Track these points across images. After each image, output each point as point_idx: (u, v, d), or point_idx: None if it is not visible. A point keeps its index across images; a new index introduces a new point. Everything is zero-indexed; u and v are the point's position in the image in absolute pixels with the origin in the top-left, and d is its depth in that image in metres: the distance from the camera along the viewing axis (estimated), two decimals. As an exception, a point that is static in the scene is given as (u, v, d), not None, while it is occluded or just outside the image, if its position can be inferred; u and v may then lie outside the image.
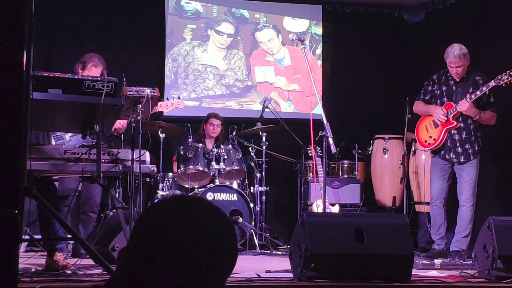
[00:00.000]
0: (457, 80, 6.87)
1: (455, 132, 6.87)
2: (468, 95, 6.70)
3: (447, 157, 6.92)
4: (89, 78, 4.76)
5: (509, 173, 7.86)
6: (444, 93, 6.96)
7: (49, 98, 4.56)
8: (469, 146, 6.84)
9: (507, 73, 6.47)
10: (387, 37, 9.99)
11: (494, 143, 7.71)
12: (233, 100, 9.43)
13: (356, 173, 8.58)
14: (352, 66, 9.83)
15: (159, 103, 6.35)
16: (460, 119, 6.83)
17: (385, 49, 9.97)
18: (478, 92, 6.63)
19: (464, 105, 6.69)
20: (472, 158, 6.83)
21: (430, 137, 7.01)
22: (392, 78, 9.83)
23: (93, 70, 6.38)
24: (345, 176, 8.60)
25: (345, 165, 8.67)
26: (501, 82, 6.49)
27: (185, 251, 1.53)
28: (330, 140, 5.94)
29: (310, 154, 7.58)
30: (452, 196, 7.04)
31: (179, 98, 7.31)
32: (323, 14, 9.73)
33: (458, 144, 6.85)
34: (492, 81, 6.55)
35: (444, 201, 7.00)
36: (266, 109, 8.10)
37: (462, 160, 6.85)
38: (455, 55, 6.76)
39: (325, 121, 5.97)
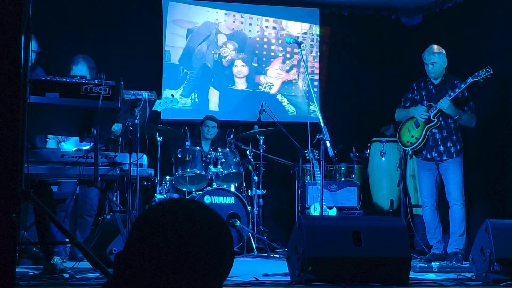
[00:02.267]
0: (435, 83, 7.00)
1: (436, 130, 6.97)
2: (447, 93, 6.80)
3: (429, 156, 7.00)
4: (87, 81, 4.76)
5: (499, 174, 7.89)
6: (424, 97, 7.14)
7: (46, 101, 4.56)
8: (451, 145, 6.93)
9: (484, 70, 6.62)
10: (384, 40, 10.00)
11: (480, 144, 7.74)
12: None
13: (353, 176, 8.58)
14: (350, 69, 9.84)
15: None
16: (441, 118, 6.92)
17: (383, 52, 9.97)
18: (457, 90, 6.76)
19: (445, 103, 6.78)
20: (455, 156, 6.92)
21: (412, 136, 7.10)
22: (389, 81, 9.83)
23: (73, 69, 6.37)
24: (343, 179, 8.61)
25: (343, 168, 8.68)
26: (478, 78, 6.63)
27: (182, 254, 1.53)
28: (328, 143, 5.95)
29: (307, 157, 7.58)
30: (443, 198, 7.07)
31: (172, 95, 7.32)
32: (320, 17, 9.73)
33: (439, 143, 6.95)
34: (470, 77, 6.68)
35: (436, 204, 7.04)
36: (264, 112, 8.11)
37: (444, 158, 6.91)
38: (429, 52, 7.02)
39: (322, 124, 5.98)
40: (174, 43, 9.02)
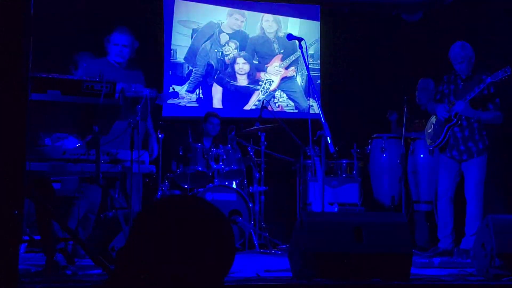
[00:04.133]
0: (464, 77, 6.94)
1: (458, 130, 6.92)
2: (464, 97, 6.76)
3: (449, 154, 6.97)
4: (88, 79, 4.77)
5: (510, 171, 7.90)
6: (452, 91, 7.03)
7: (48, 99, 4.57)
8: (472, 144, 6.87)
9: (503, 70, 6.54)
10: (385, 36, 10.01)
11: (495, 141, 7.73)
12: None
13: (354, 172, 8.59)
14: (350, 65, 9.85)
15: None
16: (463, 117, 6.87)
17: (383, 48, 9.98)
18: (472, 93, 6.72)
19: (460, 106, 6.76)
20: (475, 156, 6.86)
21: (435, 134, 7.07)
22: (390, 77, 9.84)
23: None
24: (344, 175, 8.60)
25: (344, 165, 8.67)
26: (497, 79, 6.56)
27: (183, 250, 1.54)
28: (329, 140, 5.95)
29: (308, 154, 7.59)
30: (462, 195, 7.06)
31: (173, 89, 7.34)
32: (321, 14, 9.75)
33: (461, 142, 6.90)
34: (489, 77, 6.62)
35: (450, 199, 7.02)
36: (265, 109, 8.11)
37: (465, 158, 6.89)
38: (455, 52, 6.93)
39: (323, 120, 5.98)
40: (180, 42, 9.29)
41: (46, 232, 5.19)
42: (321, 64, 9.73)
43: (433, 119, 7.23)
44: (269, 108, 8.19)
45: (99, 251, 4.71)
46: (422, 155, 7.86)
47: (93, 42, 8.17)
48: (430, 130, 7.24)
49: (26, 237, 6.12)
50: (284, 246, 7.56)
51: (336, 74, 9.79)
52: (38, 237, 5.68)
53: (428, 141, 7.26)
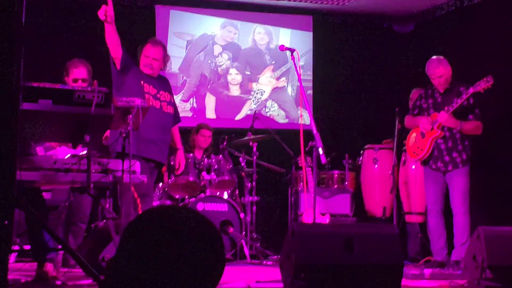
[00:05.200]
0: (442, 91, 6.99)
1: (441, 141, 6.97)
2: (446, 107, 6.79)
3: (434, 166, 7.01)
4: (80, 88, 4.76)
5: (495, 181, 7.92)
6: (431, 105, 7.10)
7: (39, 108, 4.55)
8: (457, 155, 6.92)
9: (485, 79, 6.61)
10: (376, 47, 10.04)
11: (479, 152, 7.74)
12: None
13: (346, 183, 8.59)
14: (342, 76, 9.87)
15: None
16: (445, 129, 6.92)
17: (375, 60, 10.01)
18: (454, 104, 6.76)
19: (443, 116, 6.81)
20: (460, 166, 6.91)
21: (418, 147, 7.11)
22: (382, 88, 9.87)
23: (74, 71, 6.41)
24: (335, 186, 8.61)
25: (335, 175, 8.67)
26: (478, 87, 6.63)
27: (173, 260, 1.53)
28: (320, 150, 5.94)
29: (300, 164, 7.59)
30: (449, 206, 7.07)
31: None
32: (313, 25, 9.78)
33: (445, 153, 6.95)
34: (471, 87, 6.67)
35: (440, 211, 7.05)
36: (257, 119, 8.12)
37: (450, 168, 6.92)
38: (433, 66, 7.01)
39: (315, 131, 5.98)
40: (175, 53, 9.35)
41: (36, 241, 5.17)
42: (313, 74, 9.75)
43: (413, 135, 7.26)
44: (261, 116, 8.19)
45: (89, 261, 4.69)
46: (414, 166, 7.87)
47: (86, 51, 8.19)
48: (411, 145, 7.27)
49: (16, 247, 6.10)
50: (275, 257, 7.54)
51: (327, 85, 9.80)
52: (28, 247, 5.66)
53: (412, 155, 7.29)
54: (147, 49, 6.54)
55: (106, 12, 5.92)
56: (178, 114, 6.91)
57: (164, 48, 6.64)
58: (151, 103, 6.33)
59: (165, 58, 6.61)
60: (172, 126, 6.74)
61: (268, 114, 9.70)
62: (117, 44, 6.26)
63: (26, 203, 4.13)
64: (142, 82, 6.40)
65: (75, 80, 6.40)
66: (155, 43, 6.61)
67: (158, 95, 6.48)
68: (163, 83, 6.67)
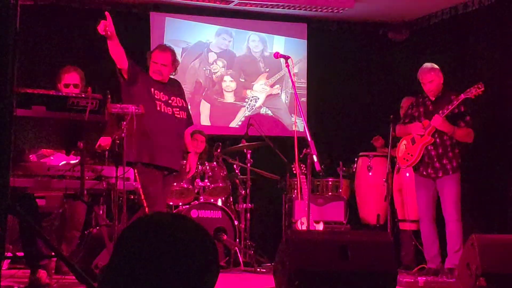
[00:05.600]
0: (433, 99, 7.02)
1: (432, 147, 7.00)
2: (441, 111, 6.82)
3: (425, 173, 7.03)
4: (74, 95, 4.74)
5: (486, 189, 7.93)
6: (422, 113, 7.13)
7: (32, 115, 4.53)
8: (447, 161, 6.95)
9: (475, 86, 6.68)
10: (371, 55, 10.05)
11: (470, 159, 7.76)
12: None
13: (340, 190, 8.58)
14: (337, 83, 9.86)
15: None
16: (436, 135, 6.95)
17: (370, 67, 10.02)
18: (450, 106, 6.77)
19: (437, 120, 6.84)
20: (450, 173, 6.93)
21: (408, 153, 7.14)
22: (376, 95, 9.87)
23: (66, 77, 6.40)
24: (330, 193, 8.60)
25: (330, 183, 8.66)
26: (470, 94, 6.70)
27: (167, 267, 1.52)
28: (315, 158, 5.94)
29: (294, 172, 7.58)
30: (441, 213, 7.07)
31: None
32: (308, 32, 9.79)
33: (435, 160, 6.98)
34: (462, 94, 6.72)
35: (432, 219, 7.05)
36: (251, 126, 8.11)
37: (440, 175, 6.94)
38: (425, 71, 7.07)
39: (309, 138, 5.98)
40: None
41: (30, 248, 5.15)
42: (308, 81, 9.75)
43: (404, 142, 7.27)
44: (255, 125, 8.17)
45: (82, 268, 4.67)
46: (407, 174, 7.87)
47: (78, 58, 8.19)
48: (401, 154, 7.28)
49: (9, 254, 6.07)
50: (269, 264, 7.53)
51: (322, 92, 9.80)
52: (21, 254, 5.64)
53: (402, 162, 7.30)
54: (155, 55, 6.47)
55: (106, 27, 5.86)
56: (191, 117, 6.80)
57: (173, 53, 6.56)
58: (162, 110, 6.28)
59: (175, 63, 6.53)
60: (185, 131, 6.64)
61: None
62: (122, 57, 6.18)
63: (20, 210, 4.10)
64: (152, 89, 6.31)
65: (67, 86, 6.38)
66: (164, 49, 6.54)
67: (170, 101, 6.38)
68: (174, 88, 6.58)
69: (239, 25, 9.73)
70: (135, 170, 5.95)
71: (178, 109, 6.43)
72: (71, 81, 6.40)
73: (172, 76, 6.64)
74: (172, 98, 6.41)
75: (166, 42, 9.35)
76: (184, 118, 6.50)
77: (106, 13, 5.90)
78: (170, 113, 6.33)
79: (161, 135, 6.18)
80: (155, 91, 6.31)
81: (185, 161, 6.74)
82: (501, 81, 7.88)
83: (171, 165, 6.33)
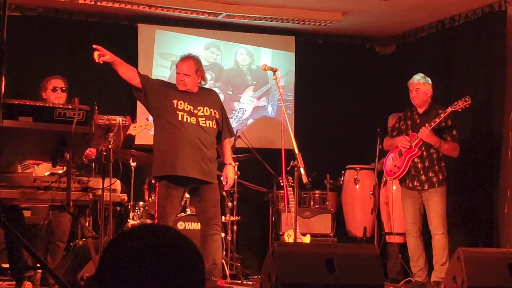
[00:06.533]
0: (420, 112, 7.05)
1: (418, 160, 7.03)
2: (427, 124, 6.85)
3: (411, 185, 7.06)
4: (60, 106, 4.74)
5: (472, 202, 7.96)
6: (409, 126, 7.15)
7: (19, 126, 4.52)
8: (433, 175, 6.97)
9: (463, 99, 6.74)
10: (358, 68, 10.08)
11: (456, 172, 7.78)
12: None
13: (327, 203, 8.59)
14: (324, 96, 9.88)
15: None
16: (423, 148, 6.97)
17: (357, 80, 10.04)
18: (437, 119, 6.81)
19: (424, 132, 6.86)
20: (436, 185, 6.95)
21: (395, 166, 7.15)
22: (363, 108, 9.89)
23: (52, 81, 6.43)
24: (317, 206, 8.60)
25: (317, 195, 8.67)
26: (457, 107, 6.75)
27: (152, 280, 1.52)
28: (302, 170, 5.94)
29: (281, 184, 7.58)
30: (427, 226, 7.09)
31: (147, 119, 7.32)
32: (296, 45, 9.81)
33: (421, 172, 7.00)
34: (449, 107, 6.76)
35: (419, 232, 7.07)
36: (238, 138, 8.11)
37: (426, 188, 6.96)
38: (414, 79, 7.12)
39: (296, 151, 5.98)
40: (160, 73, 9.31)
41: (15, 260, 5.12)
42: (295, 94, 9.76)
43: (391, 155, 7.31)
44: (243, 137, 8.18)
45: (68, 280, 4.65)
46: (394, 187, 7.88)
47: (65, 69, 8.16)
48: (389, 168, 7.30)
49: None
50: (256, 277, 7.51)
51: (309, 105, 9.82)
52: (6, 265, 5.60)
53: (389, 174, 7.33)
54: (178, 66, 6.43)
55: (99, 57, 5.88)
56: (229, 127, 6.72)
57: (196, 61, 6.50)
58: (185, 120, 6.23)
59: (198, 71, 6.45)
60: (215, 141, 6.50)
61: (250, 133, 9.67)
62: (132, 76, 6.18)
63: (5, 221, 4.09)
64: (175, 101, 6.28)
65: (54, 89, 6.39)
66: (185, 58, 6.49)
67: (195, 111, 6.31)
68: (205, 97, 6.51)
69: (227, 37, 9.75)
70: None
71: (204, 119, 6.34)
72: (58, 85, 6.42)
73: (205, 86, 6.61)
74: (199, 107, 6.34)
75: (156, 55, 9.36)
76: (213, 128, 6.41)
77: (93, 46, 5.93)
78: (195, 122, 6.29)
79: (182, 145, 6.14)
80: (178, 102, 6.26)
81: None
82: (487, 94, 7.92)
83: (195, 175, 6.24)
